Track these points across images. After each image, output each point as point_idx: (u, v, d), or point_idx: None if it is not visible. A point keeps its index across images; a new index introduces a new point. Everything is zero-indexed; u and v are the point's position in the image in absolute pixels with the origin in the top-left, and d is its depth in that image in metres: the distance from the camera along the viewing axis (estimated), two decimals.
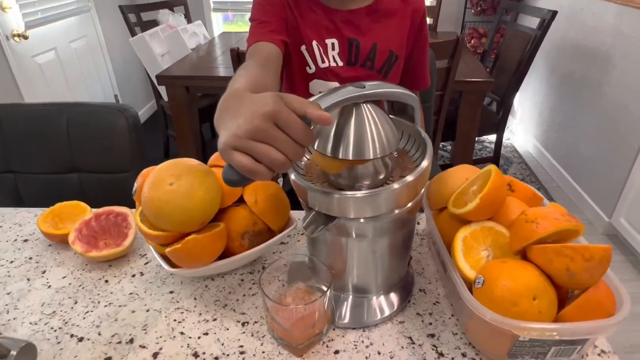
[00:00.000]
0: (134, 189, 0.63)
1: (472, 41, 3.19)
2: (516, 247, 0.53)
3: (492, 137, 2.45)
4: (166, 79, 1.99)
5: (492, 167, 0.58)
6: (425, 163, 0.54)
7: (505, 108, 2.27)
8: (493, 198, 0.55)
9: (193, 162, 0.59)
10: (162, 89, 2.39)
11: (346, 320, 0.61)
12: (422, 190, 0.57)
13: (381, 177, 0.55)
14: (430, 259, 0.72)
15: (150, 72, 2.34)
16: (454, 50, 1.68)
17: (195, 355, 0.56)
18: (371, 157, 0.51)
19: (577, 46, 2.41)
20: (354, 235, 0.57)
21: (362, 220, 0.55)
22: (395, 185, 0.52)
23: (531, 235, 0.51)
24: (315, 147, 0.53)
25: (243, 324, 0.60)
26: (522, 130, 3.08)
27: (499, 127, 2.28)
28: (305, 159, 0.61)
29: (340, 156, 0.51)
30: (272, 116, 0.42)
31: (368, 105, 0.52)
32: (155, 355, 0.56)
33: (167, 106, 2.41)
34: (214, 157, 0.68)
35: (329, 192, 0.51)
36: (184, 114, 2.09)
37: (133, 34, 2.45)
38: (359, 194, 0.51)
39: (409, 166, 0.58)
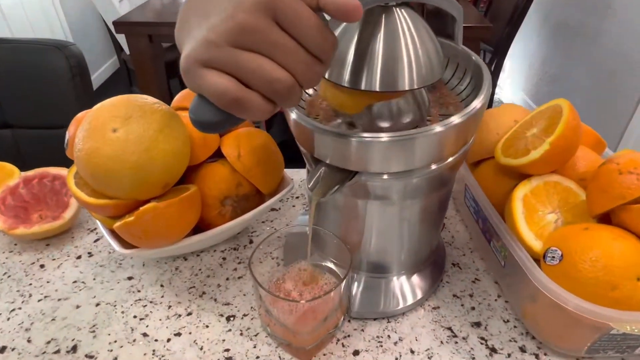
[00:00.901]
0: (65, 140, 0.45)
1: None
2: (601, 208, 0.39)
3: None
4: (125, 26, 1.75)
5: (562, 101, 0.43)
6: (479, 101, 0.38)
7: (499, 59, 2.12)
8: (568, 142, 0.41)
9: (148, 99, 0.41)
10: (122, 40, 2.12)
11: (362, 308, 0.46)
12: (472, 139, 0.42)
13: (414, 117, 0.40)
14: (460, 224, 0.58)
15: (106, 20, 2.07)
16: None
17: None
18: (406, 88, 0.35)
19: None
20: (375, 197, 0.42)
21: (385, 176, 0.39)
22: (438, 128, 0.36)
23: (630, 191, 0.36)
24: (325, 75, 0.36)
25: (228, 319, 0.45)
26: (510, 84, 2.95)
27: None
28: (305, 95, 0.45)
29: (362, 86, 0.35)
30: (269, 6, 0.25)
31: (402, 10, 0.35)
32: None
33: (129, 60, 2.16)
34: (180, 97, 0.50)
35: (346, 135, 0.35)
36: (149, 67, 1.86)
37: None
38: (385, 137, 0.35)
39: (451, 102, 0.43)
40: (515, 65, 2.91)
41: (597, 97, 2.04)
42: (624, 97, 1.85)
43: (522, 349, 0.42)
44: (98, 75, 2.92)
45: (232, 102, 0.26)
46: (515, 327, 0.44)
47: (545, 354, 0.42)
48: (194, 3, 0.32)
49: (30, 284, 0.49)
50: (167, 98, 1.99)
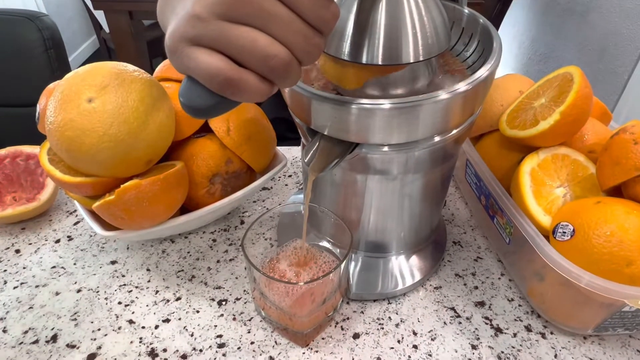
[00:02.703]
0: (36, 113, 0.41)
1: None
2: (613, 180, 0.37)
3: None
4: (104, 2, 1.67)
5: (573, 68, 0.40)
6: (488, 68, 0.35)
7: None
8: (580, 112, 0.38)
9: (127, 66, 0.38)
10: (101, 17, 2.03)
11: (361, 289, 0.44)
12: (479, 109, 0.39)
13: (419, 86, 0.37)
14: (460, 201, 0.56)
15: None
16: None
17: (153, 354, 0.38)
18: (411, 61, 0.32)
19: None
20: (375, 172, 0.39)
21: (387, 148, 0.37)
22: (443, 95, 0.33)
23: None
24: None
25: (220, 304, 0.43)
26: (499, 64, 2.93)
27: None
28: None
29: (363, 60, 0.32)
30: None
31: None
32: (92, 357, 0.38)
33: (110, 39, 2.07)
34: (163, 67, 0.47)
35: (346, 102, 0.33)
36: (129, 47, 1.79)
37: None
38: (387, 104, 0.33)
39: (456, 69, 0.40)
40: (504, 44, 2.88)
41: (587, 75, 2.04)
42: (614, 74, 1.85)
43: (528, 328, 0.41)
44: (76, 56, 2.81)
45: (225, 84, 0.23)
46: (520, 305, 0.43)
47: (551, 333, 0.40)
48: None
49: (5, 270, 0.46)
50: None
